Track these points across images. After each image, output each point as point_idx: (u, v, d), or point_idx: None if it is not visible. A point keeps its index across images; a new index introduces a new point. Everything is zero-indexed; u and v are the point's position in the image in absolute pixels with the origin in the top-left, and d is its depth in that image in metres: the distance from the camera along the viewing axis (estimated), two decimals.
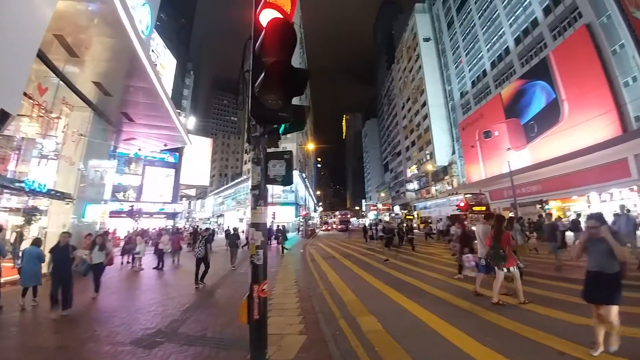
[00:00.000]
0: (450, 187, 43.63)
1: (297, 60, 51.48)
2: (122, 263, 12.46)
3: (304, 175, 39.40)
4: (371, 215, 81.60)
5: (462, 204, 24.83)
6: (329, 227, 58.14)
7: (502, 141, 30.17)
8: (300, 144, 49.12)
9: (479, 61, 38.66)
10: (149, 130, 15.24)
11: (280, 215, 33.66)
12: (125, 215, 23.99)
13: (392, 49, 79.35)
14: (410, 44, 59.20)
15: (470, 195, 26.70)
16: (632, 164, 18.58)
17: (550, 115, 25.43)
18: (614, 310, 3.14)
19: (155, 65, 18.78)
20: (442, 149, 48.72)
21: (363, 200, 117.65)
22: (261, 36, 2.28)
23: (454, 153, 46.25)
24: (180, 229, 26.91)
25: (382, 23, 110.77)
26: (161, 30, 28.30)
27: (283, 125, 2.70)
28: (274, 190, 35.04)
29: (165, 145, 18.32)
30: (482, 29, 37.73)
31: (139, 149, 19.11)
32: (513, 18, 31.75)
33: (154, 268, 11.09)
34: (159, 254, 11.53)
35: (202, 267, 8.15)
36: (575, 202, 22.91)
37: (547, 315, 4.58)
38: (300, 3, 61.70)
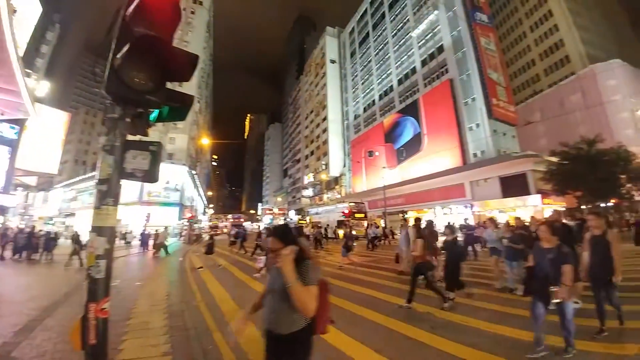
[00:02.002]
0: (339, 196, 48.64)
1: (201, 44, 46.66)
2: None
3: (193, 172, 35.31)
4: (266, 219, 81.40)
5: (346, 211, 28.02)
6: (219, 232, 54.45)
7: (381, 160, 36.13)
8: (194, 137, 44.07)
9: (371, 91, 45.35)
10: None
11: (159, 217, 28.98)
12: None
13: (303, 61, 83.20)
14: (319, 62, 63.63)
15: (353, 203, 30.53)
16: (467, 188, 25.85)
17: (415, 145, 32.44)
18: None
19: (15, 11, 13.23)
20: (335, 161, 54.04)
21: (260, 204, 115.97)
22: (136, 1, 1.87)
23: (344, 166, 52.01)
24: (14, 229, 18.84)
25: (296, 34, 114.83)
26: None
27: (157, 111, 2.27)
28: (153, 188, 29.93)
29: (1, 114, 12.99)
30: (376, 65, 44.60)
31: None
32: (399, 63, 39.02)
33: None
34: None
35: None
36: (426, 213, 29.67)
37: (430, 312, 5.51)
38: None
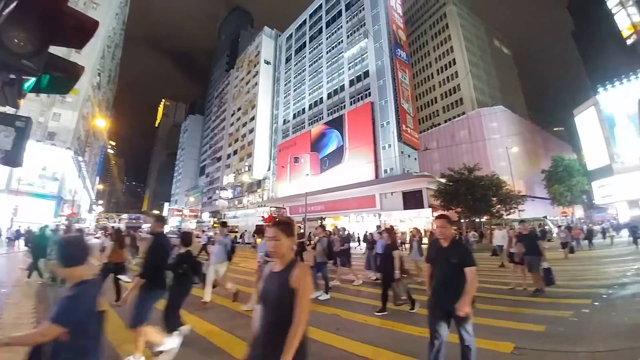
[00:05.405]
0: (261, 200, 47.52)
1: (114, 9, 39.14)
2: None
3: (80, 159, 28.63)
4: (174, 221, 72.79)
5: (266, 216, 27.58)
6: (108, 233, 45.31)
7: (305, 167, 37.23)
8: (86, 116, 36.02)
9: (302, 100, 46.52)
10: None
11: (30, 212, 22.40)
12: None
13: (235, 54, 78.98)
14: (253, 59, 61.65)
15: (275, 208, 30.34)
16: (377, 199, 28.96)
17: (337, 156, 34.66)
18: None
19: None
20: (260, 163, 52.76)
21: (167, 204, 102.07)
22: None
23: (269, 169, 51.32)
24: None
25: (230, 26, 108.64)
26: None
27: (34, 80, 1.81)
28: (25, 174, 23.04)
29: None
30: (310, 75, 46.10)
31: None
32: (330, 78, 41.34)
33: None
34: None
35: None
36: (341, 220, 31.84)
37: None
38: None
